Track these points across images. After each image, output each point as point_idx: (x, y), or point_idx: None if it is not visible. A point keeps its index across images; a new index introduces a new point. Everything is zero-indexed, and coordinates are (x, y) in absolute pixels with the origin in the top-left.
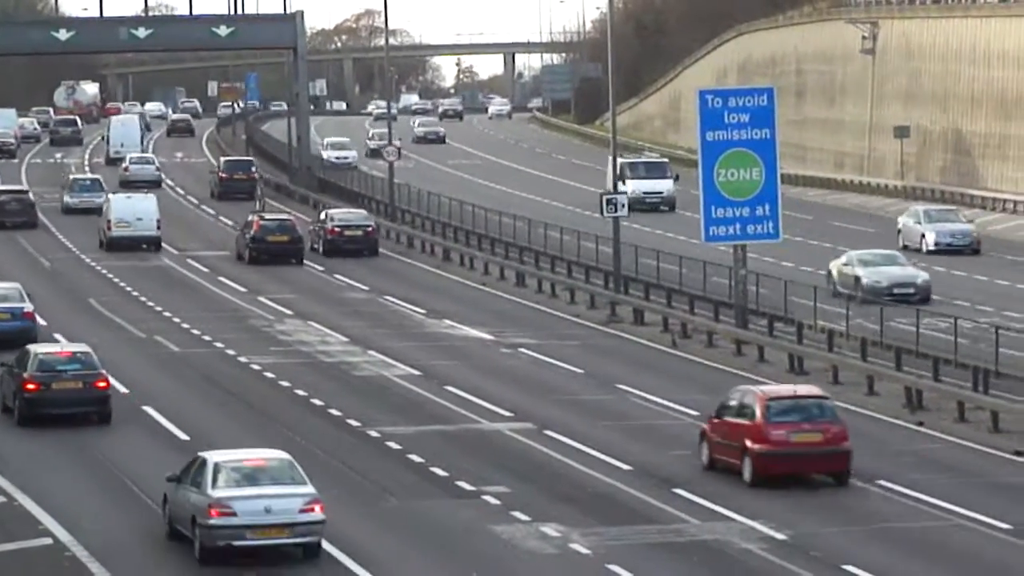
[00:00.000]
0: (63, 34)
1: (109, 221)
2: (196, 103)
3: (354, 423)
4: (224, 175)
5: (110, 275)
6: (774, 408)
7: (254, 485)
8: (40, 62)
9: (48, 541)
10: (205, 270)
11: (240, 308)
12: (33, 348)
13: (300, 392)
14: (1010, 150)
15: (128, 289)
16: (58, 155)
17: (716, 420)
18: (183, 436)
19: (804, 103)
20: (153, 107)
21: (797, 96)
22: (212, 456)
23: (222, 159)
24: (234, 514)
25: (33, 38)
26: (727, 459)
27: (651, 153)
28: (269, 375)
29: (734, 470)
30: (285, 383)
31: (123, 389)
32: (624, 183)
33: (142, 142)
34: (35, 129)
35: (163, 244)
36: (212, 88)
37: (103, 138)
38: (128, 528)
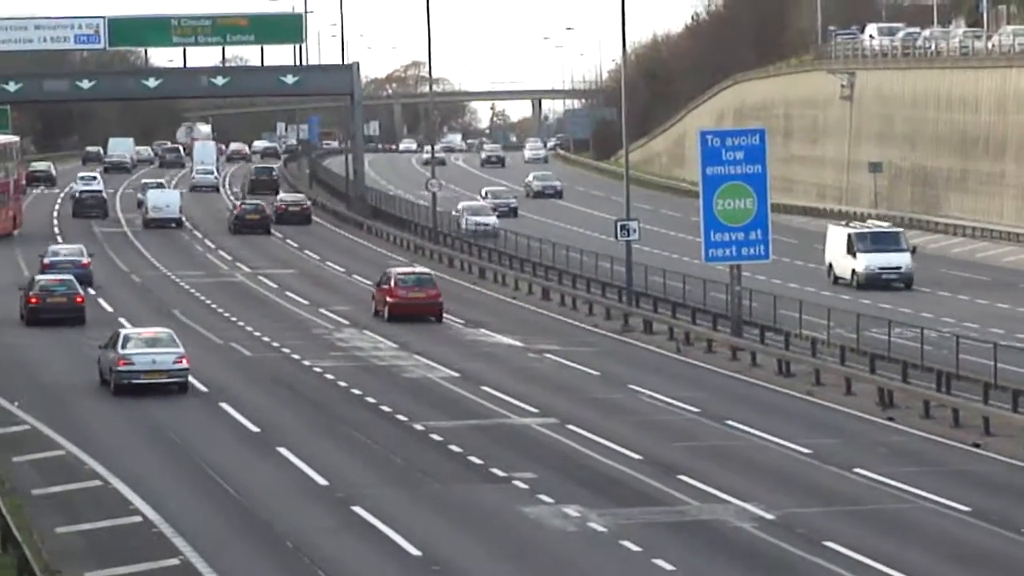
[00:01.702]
0: (152, 82)
1: (146, 208)
2: (295, 141)
3: (402, 418)
4: (253, 177)
5: (192, 290)
6: (399, 279)
7: (147, 347)
8: (132, 106)
9: (138, 519)
10: (274, 286)
11: (303, 319)
12: (38, 277)
13: (356, 391)
14: (969, 183)
15: (207, 302)
16: (145, 181)
17: (377, 287)
18: (254, 428)
19: (791, 142)
20: (259, 144)
21: (785, 136)
22: (123, 331)
23: (253, 166)
24: (132, 364)
25: (127, 86)
26: (380, 307)
27: (879, 222)
28: (329, 376)
29: (383, 314)
30: (343, 383)
31: (203, 388)
32: (855, 257)
33: (217, 160)
34: (149, 155)
35: (185, 223)
36: (280, 128)
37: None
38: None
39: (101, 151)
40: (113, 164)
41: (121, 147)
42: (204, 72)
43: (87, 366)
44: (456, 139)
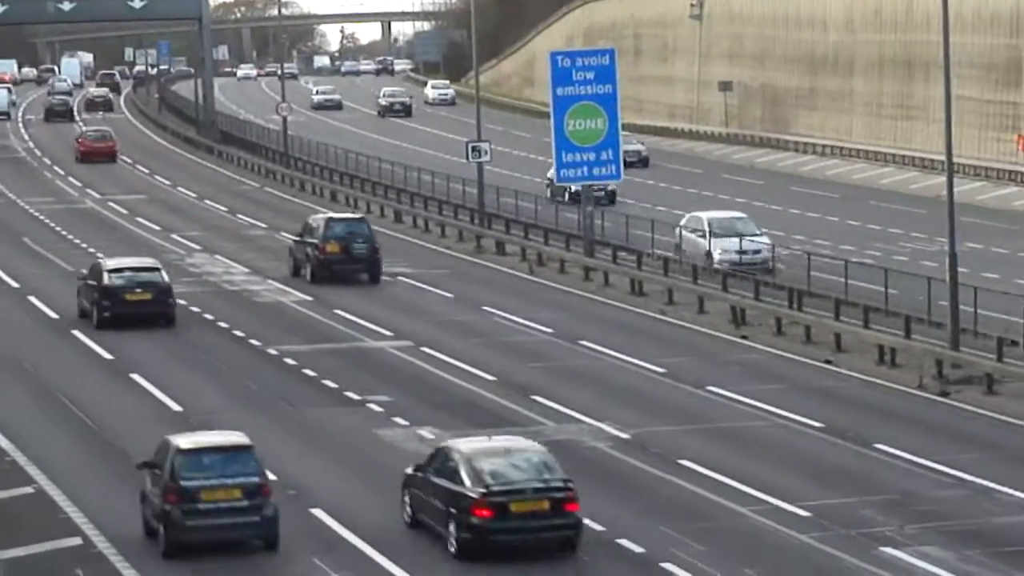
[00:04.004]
0: None
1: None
2: (175, 68)
3: (255, 342)
4: (98, 81)
5: (41, 216)
6: (87, 134)
7: None
8: None
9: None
10: (125, 212)
11: (155, 244)
12: None
13: (208, 316)
14: (817, 102)
15: (57, 228)
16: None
17: (76, 140)
18: (107, 355)
19: (641, 62)
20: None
21: (635, 56)
22: None
23: (98, 74)
24: None
25: None
26: (76, 154)
27: None
28: (181, 302)
29: (77, 158)
30: (195, 308)
31: (54, 315)
32: None
33: (81, 75)
34: (33, 75)
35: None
36: (128, 54)
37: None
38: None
39: None
40: None
41: (3, 66)
42: None
43: None
44: (325, 61)
